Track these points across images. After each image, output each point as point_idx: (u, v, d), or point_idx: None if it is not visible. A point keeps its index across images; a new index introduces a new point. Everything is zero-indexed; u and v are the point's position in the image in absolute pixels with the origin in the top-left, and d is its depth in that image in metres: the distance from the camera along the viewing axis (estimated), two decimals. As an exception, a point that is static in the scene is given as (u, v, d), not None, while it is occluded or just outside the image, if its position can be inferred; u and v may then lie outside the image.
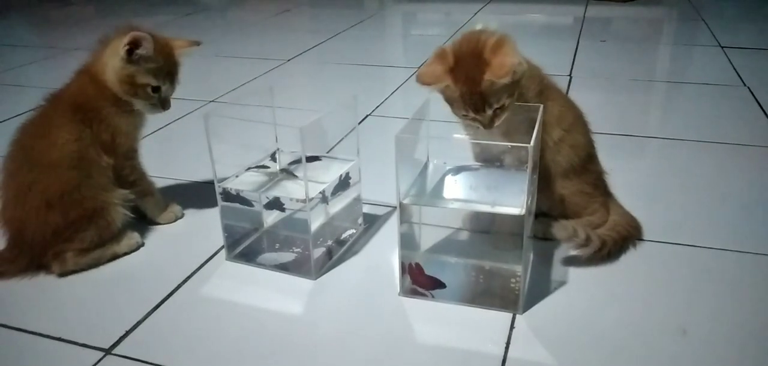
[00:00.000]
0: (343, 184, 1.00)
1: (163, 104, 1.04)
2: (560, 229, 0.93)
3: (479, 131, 0.90)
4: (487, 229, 0.95)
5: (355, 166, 1.02)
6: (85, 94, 1.00)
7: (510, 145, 0.88)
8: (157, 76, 1.00)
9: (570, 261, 0.96)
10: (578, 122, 1.01)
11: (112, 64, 0.98)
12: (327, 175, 0.98)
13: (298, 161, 1.01)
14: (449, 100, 0.90)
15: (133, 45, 0.97)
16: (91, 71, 1.01)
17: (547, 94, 0.96)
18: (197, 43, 1.06)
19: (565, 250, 0.97)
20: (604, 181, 1.06)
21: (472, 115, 0.87)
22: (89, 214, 0.98)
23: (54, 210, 0.95)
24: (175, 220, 1.14)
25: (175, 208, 1.14)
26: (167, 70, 1.01)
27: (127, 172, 1.06)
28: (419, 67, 0.88)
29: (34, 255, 0.97)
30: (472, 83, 0.85)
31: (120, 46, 0.97)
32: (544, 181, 0.97)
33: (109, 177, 1.01)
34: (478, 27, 0.92)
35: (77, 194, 0.97)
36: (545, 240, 1.01)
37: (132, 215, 1.04)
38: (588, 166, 1.01)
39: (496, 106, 0.86)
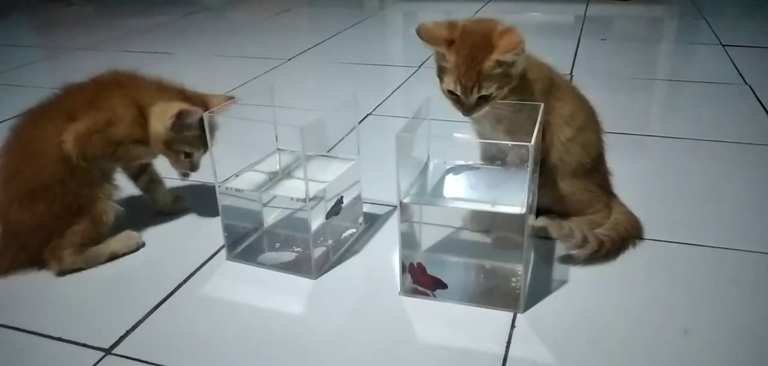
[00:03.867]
0: (336, 208, 0.99)
1: (193, 167, 1.05)
2: (556, 227, 0.93)
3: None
4: (487, 228, 0.94)
5: (355, 166, 1.02)
6: (121, 122, 1.00)
7: (511, 144, 0.88)
8: (193, 145, 1.02)
9: (570, 260, 0.96)
10: (591, 121, 1.00)
11: (155, 127, 0.99)
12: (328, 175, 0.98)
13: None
14: (441, 71, 0.90)
15: (180, 117, 0.97)
16: (139, 105, 1.00)
17: (556, 93, 0.95)
18: (231, 98, 1.05)
19: (566, 249, 0.97)
20: (609, 182, 1.05)
21: (459, 92, 0.87)
22: (75, 208, 0.97)
23: (38, 201, 0.95)
24: (182, 210, 1.16)
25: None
26: (204, 139, 0.99)
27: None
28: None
29: (23, 246, 0.97)
30: (473, 60, 0.85)
31: (167, 113, 0.98)
32: (549, 179, 0.97)
33: (96, 173, 1.00)
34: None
35: (60, 188, 0.96)
36: (546, 239, 1.00)
37: (122, 208, 1.03)
38: (598, 166, 1.01)
39: (484, 92, 0.86)
